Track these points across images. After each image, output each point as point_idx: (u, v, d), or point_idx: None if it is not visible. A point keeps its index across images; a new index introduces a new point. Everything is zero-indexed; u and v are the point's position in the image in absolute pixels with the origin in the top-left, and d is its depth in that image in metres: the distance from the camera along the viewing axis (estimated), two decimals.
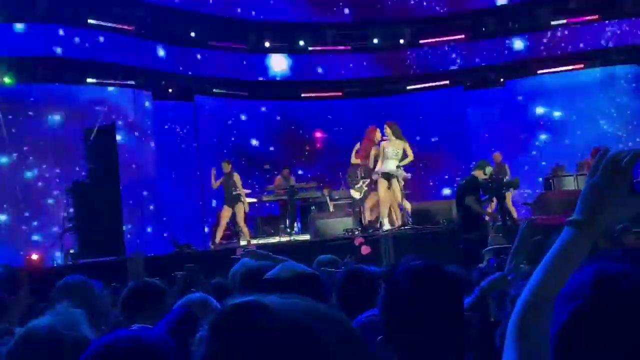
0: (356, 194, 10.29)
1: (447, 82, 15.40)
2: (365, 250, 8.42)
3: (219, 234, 10.69)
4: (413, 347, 1.58)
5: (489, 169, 8.30)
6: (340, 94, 15.46)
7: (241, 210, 10.36)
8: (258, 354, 0.69)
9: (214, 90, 14.52)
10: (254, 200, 11.64)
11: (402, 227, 9.45)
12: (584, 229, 1.03)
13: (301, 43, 14.82)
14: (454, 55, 15.49)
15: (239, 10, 14.62)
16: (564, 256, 1.03)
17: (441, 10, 15.46)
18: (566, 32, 14.77)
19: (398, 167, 9.41)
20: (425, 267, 1.67)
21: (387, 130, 9.45)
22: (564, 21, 14.70)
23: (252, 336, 0.70)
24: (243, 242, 10.31)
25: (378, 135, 9.82)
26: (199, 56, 14.16)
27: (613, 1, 14.45)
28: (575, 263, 1.01)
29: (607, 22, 14.49)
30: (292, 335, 0.70)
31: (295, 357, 0.70)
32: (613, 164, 1.00)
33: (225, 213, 10.47)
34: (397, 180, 9.40)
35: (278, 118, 15.48)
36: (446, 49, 15.46)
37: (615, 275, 0.86)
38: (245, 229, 10.55)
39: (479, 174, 8.20)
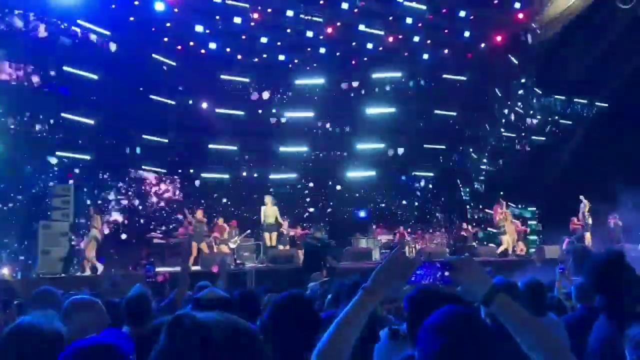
0: (233, 245, 14.44)
1: None
2: (214, 269, 10.70)
3: None
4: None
5: (318, 234, 11.73)
6: None
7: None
8: (187, 347, 0.96)
9: None
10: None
11: (261, 265, 13.17)
12: (369, 295, 1.34)
13: None
14: None
15: None
16: (352, 313, 1.32)
17: None
18: None
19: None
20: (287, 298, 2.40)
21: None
22: None
23: (183, 335, 0.96)
24: None
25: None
26: None
27: None
28: (360, 318, 1.31)
29: None
30: (206, 336, 0.95)
31: (204, 352, 0.94)
32: (398, 263, 1.38)
33: None
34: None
35: None
36: None
37: (470, 316, 1.20)
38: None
39: (319, 235, 11.38)
